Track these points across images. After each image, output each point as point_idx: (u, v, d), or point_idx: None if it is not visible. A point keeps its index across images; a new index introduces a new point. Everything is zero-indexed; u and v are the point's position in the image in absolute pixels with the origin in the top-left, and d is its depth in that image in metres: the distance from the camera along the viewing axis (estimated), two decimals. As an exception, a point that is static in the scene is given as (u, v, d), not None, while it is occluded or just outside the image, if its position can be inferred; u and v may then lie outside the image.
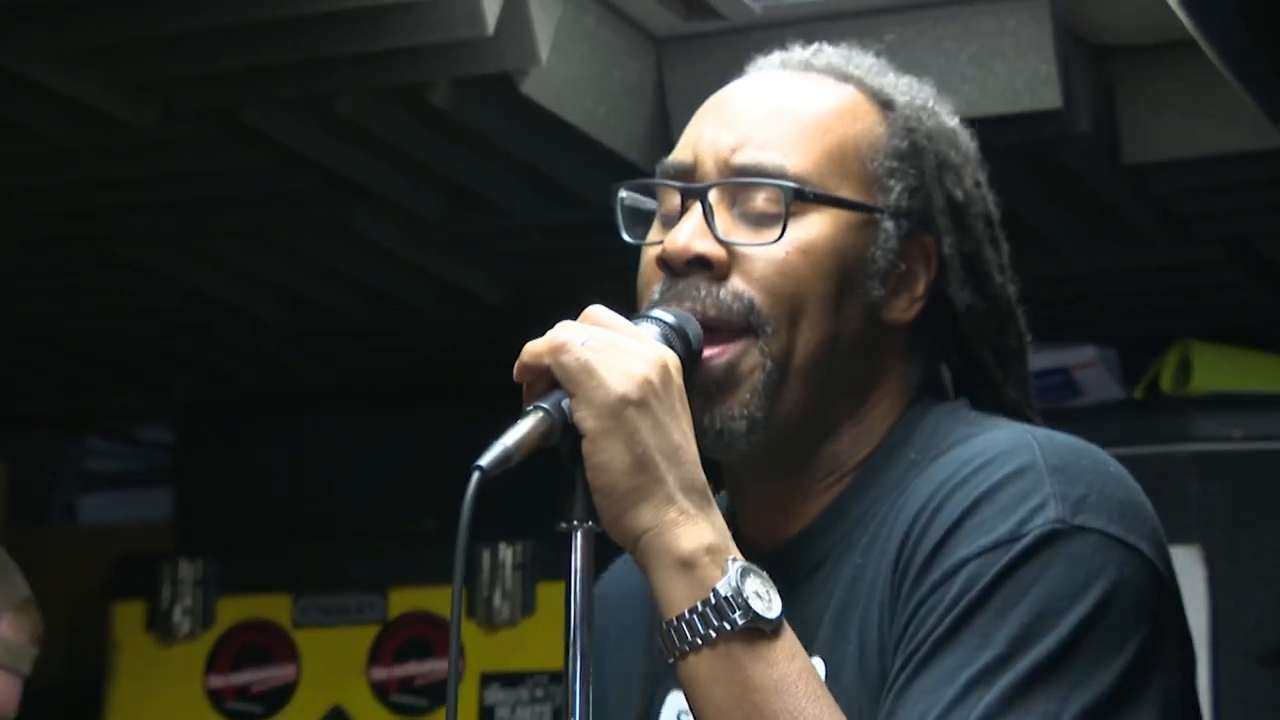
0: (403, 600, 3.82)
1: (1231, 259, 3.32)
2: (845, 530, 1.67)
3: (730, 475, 1.71)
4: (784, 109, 1.71)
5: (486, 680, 3.73)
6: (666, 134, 2.83)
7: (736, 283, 1.66)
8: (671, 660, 1.52)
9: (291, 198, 3.08)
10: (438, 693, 3.76)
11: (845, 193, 1.68)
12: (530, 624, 3.73)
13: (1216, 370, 3.43)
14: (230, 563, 3.94)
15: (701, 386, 1.64)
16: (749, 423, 1.65)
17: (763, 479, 1.70)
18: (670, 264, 1.66)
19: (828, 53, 1.79)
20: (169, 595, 3.90)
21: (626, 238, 1.73)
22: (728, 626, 1.49)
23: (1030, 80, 2.68)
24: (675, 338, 1.61)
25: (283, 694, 3.84)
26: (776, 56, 1.81)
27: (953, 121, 1.76)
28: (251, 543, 4.04)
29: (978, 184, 1.76)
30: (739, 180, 1.67)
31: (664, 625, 1.52)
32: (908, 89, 1.77)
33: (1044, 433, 1.67)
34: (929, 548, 1.57)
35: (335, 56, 2.58)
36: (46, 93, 2.62)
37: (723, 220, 1.66)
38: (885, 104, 1.73)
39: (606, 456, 1.52)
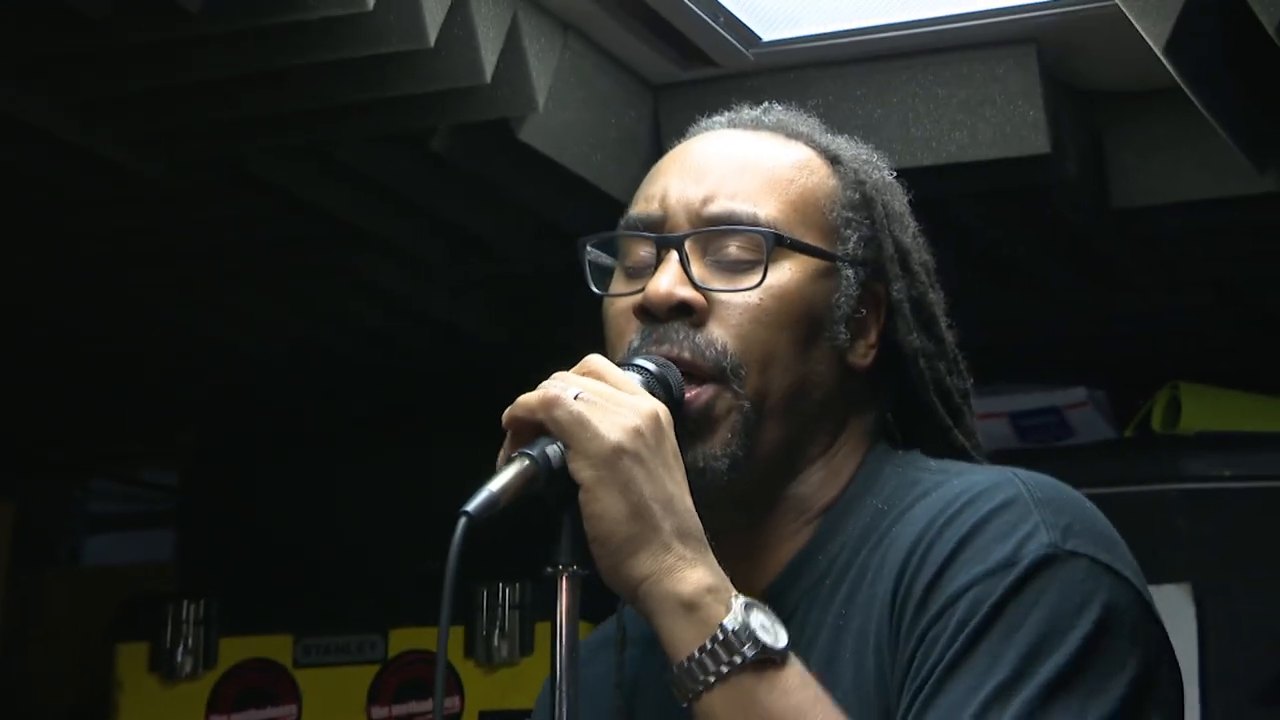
0: (402, 640, 3.82)
1: (1219, 301, 3.34)
2: (813, 580, 1.69)
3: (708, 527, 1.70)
4: (747, 162, 1.75)
5: (485, 718, 3.72)
6: (661, 180, 2.86)
7: (713, 329, 1.69)
8: (685, 703, 1.52)
9: (295, 243, 3.10)
10: (438, 732, 3.75)
11: (810, 240, 1.72)
12: (529, 663, 3.73)
13: (1205, 410, 3.44)
14: (232, 603, 3.94)
15: (683, 429, 1.66)
16: (730, 461, 1.67)
17: (732, 523, 1.69)
18: (652, 310, 1.69)
19: (776, 111, 1.82)
20: (172, 635, 3.90)
21: (594, 289, 1.75)
22: (738, 660, 1.50)
23: (1019, 126, 2.71)
24: (658, 385, 1.65)
25: (285, 733, 3.84)
26: (724, 116, 1.85)
27: (891, 174, 1.82)
28: (253, 584, 4.03)
29: (917, 233, 1.82)
30: (716, 229, 1.71)
31: (674, 669, 1.52)
32: (849, 145, 1.82)
33: (1022, 470, 1.70)
34: (926, 581, 1.58)
35: (337, 105, 2.60)
36: (54, 140, 2.64)
37: (698, 268, 1.69)
38: (833, 159, 1.78)
39: (603, 506, 1.53)
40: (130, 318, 3.36)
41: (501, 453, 1.57)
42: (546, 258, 3.14)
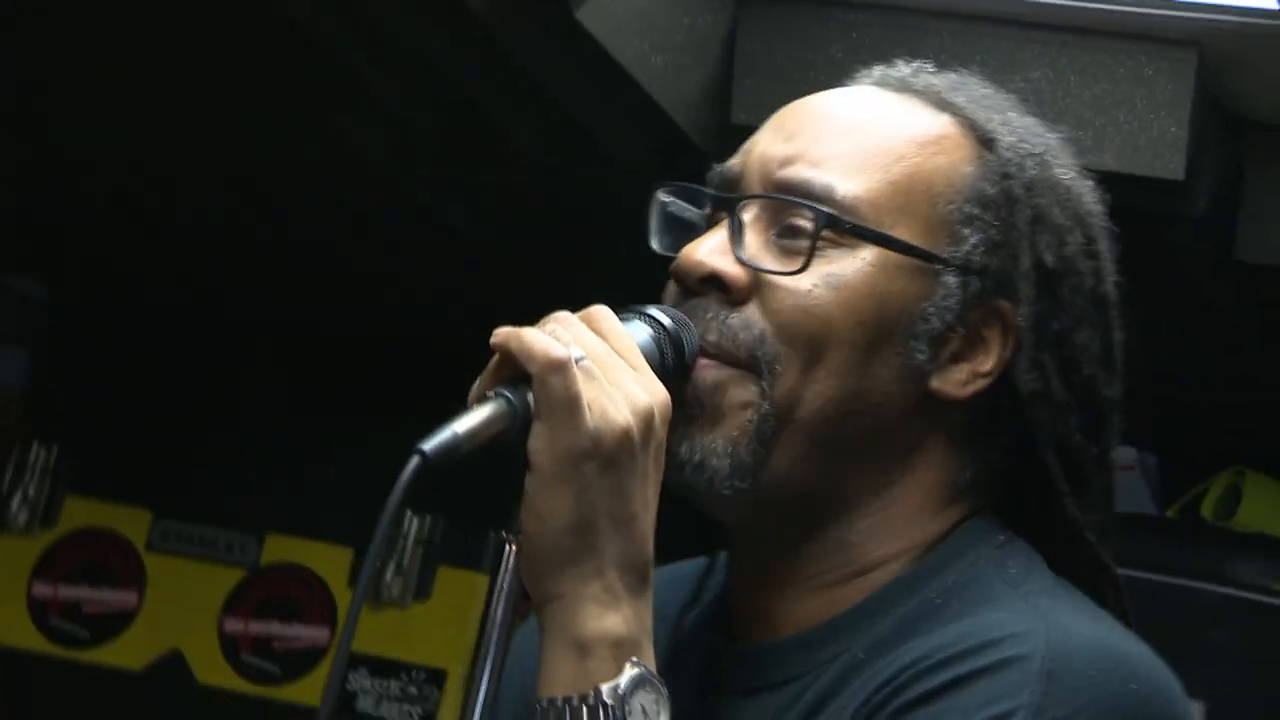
0: (279, 548, 3.78)
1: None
2: (833, 653, 1.63)
3: (732, 541, 1.69)
4: (856, 126, 1.69)
5: (356, 661, 3.68)
6: (725, 103, 2.79)
7: (752, 311, 1.63)
8: None
9: (280, 79, 3.02)
10: (295, 663, 3.71)
11: (901, 232, 1.64)
12: (420, 610, 3.68)
13: (1270, 508, 3.42)
14: (87, 459, 3.89)
15: (687, 405, 1.62)
16: (733, 464, 1.62)
17: (757, 552, 1.67)
18: (682, 278, 1.65)
19: (933, 75, 1.74)
20: (11, 479, 3.86)
21: (654, 245, 1.71)
22: None
23: (1155, 141, 2.66)
24: (668, 344, 1.61)
25: (117, 622, 3.80)
26: (877, 71, 1.77)
27: (1069, 176, 1.71)
28: (120, 443, 3.97)
29: (1088, 254, 1.70)
30: (773, 196, 1.65)
31: (537, 701, 1.51)
32: (1021, 130, 1.72)
33: (1066, 623, 1.62)
34: (886, 716, 1.54)
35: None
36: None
37: (755, 240, 1.65)
38: (985, 141, 1.69)
39: (548, 507, 1.51)
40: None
41: (480, 381, 1.54)
42: (557, 162, 3.07)
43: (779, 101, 2.82)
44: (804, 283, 1.62)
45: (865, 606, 1.65)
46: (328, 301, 4.09)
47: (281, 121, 3.17)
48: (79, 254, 4.23)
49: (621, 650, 1.52)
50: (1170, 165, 2.65)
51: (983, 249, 1.65)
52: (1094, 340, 1.68)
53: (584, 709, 1.50)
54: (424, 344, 4.01)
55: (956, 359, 1.65)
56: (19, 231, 4.12)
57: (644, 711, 1.51)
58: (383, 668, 3.66)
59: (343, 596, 3.72)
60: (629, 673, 1.51)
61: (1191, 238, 2.86)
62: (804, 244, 1.63)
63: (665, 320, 1.61)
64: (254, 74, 3.03)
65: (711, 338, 1.62)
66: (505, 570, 1.57)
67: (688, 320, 1.62)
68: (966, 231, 1.65)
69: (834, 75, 2.73)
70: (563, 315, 1.56)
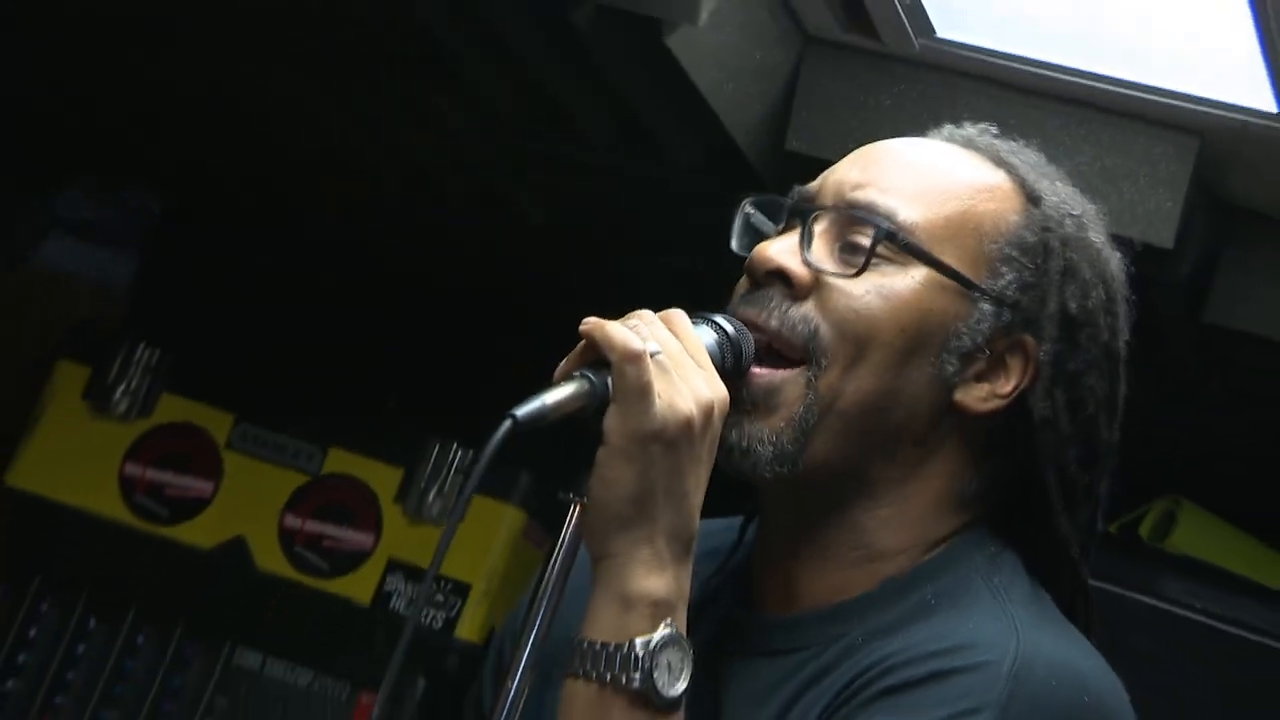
0: (339, 461, 3.75)
1: (1255, 442, 3.29)
2: (837, 633, 1.62)
3: (763, 513, 1.67)
4: (923, 167, 1.68)
5: (394, 566, 3.66)
6: (782, 129, 2.76)
7: (810, 308, 1.62)
8: (567, 671, 1.51)
9: (380, 46, 2.97)
10: (341, 561, 3.69)
11: (949, 259, 1.64)
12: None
13: (1199, 536, 3.39)
14: (185, 361, 3.85)
15: (740, 402, 1.61)
16: (776, 451, 1.61)
17: (785, 528, 1.65)
18: (753, 271, 1.64)
19: (995, 138, 1.73)
20: (118, 371, 3.82)
21: (735, 246, 1.69)
22: (622, 680, 1.48)
23: (1151, 212, 2.63)
24: (729, 349, 1.60)
25: (193, 506, 3.76)
26: (946, 129, 1.76)
27: (1100, 241, 1.71)
28: (214, 351, 3.94)
29: (1108, 311, 1.70)
30: (841, 209, 1.65)
31: (581, 638, 1.51)
32: (1064, 195, 1.71)
33: (1036, 636, 1.60)
34: (863, 700, 1.53)
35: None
36: None
37: (821, 248, 1.64)
38: (1032, 198, 1.68)
39: (615, 476, 1.50)
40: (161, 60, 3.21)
41: (566, 361, 1.54)
42: (623, 163, 3.03)
43: (830, 134, 2.79)
44: (858, 288, 1.62)
45: (873, 596, 1.63)
46: (400, 250, 4.07)
47: (392, 98, 3.14)
48: (193, 175, 4.18)
49: (659, 610, 1.51)
50: (1162, 235, 2.62)
51: (1016, 286, 1.64)
52: (1101, 386, 1.68)
53: (618, 656, 1.49)
54: (478, 299, 4.00)
55: (980, 378, 1.64)
56: (142, 150, 4.09)
57: (669, 667, 1.50)
58: (417, 576, 3.64)
59: (389, 509, 3.69)
60: (662, 631, 1.51)
61: (1170, 299, 2.83)
62: (863, 256, 1.62)
63: (729, 328, 1.61)
64: (372, 58, 3.00)
65: (773, 324, 1.62)
66: (569, 524, 1.57)
67: (746, 329, 1.62)
68: (1005, 269, 1.64)
69: (881, 117, 2.72)
70: (644, 313, 1.56)
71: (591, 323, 1.54)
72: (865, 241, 1.63)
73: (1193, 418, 3.27)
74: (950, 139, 1.73)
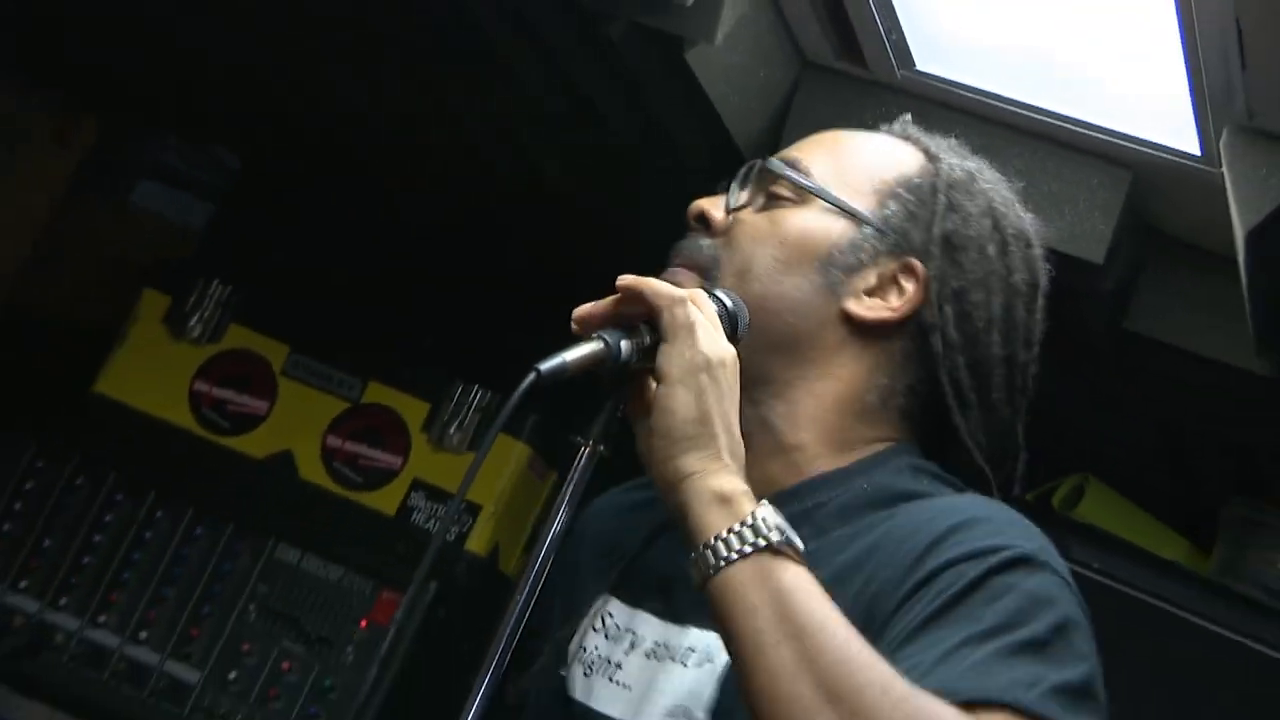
0: (377, 393, 3.75)
1: (1158, 435, 3.31)
2: (810, 508, 1.62)
3: None
4: (841, 136, 1.75)
5: (417, 485, 3.67)
6: (777, 140, 2.77)
7: (718, 241, 1.68)
8: (703, 580, 1.47)
9: (455, 63, 2.98)
10: (372, 478, 3.70)
11: (837, 193, 1.68)
12: (470, 458, 3.66)
13: (1102, 508, 3.42)
14: (251, 297, 3.85)
15: None
16: None
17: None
18: (687, 221, 1.71)
19: (905, 124, 1.80)
20: (195, 301, 3.82)
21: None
22: (763, 541, 1.45)
23: (1086, 232, 2.64)
24: (727, 318, 1.62)
25: (250, 421, 3.76)
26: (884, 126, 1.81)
27: (993, 189, 1.75)
28: (278, 288, 3.94)
29: (995, 242, 1.72)
30: (754, 162, 1.72)
31: (699, 548, 1.47)
32: (963, 157, 1.77)
33: (1008, 507, 1.64)
34: (914, 556, 1.53)
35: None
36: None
37: (742, 198, 1.70)
38: (930, 157, 1.74)
39: (678, 403, 1.51)
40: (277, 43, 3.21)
41: (594, 305, 1.55)
42: (642, 151, 3.03)
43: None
44: (759, 219, 1.68)
45: (798, 490, 1.64)
46: (443, 215, 4.07)
47: (454, 88, 3.14)
48: (266, 136, 4.18)
49: (748, 496, 1.50)
50: (1094, 252, 2.63)
51: (901, 216, 1.69)
52: (990, 304, 1.69)
53: (745, 529, 1.47)
54: (506, 260, 4.00)
55: (871, 294, 1.67)
56: (224, 113, 4.09)
57: (779, 527, 1.47)
58: (436, 495, 3.64)
59: (416, 437, 3.69)
60: (766, 505, 1.49)
61: (1097, 308, 2.85)
62: (780, 199, 1.69)
63: (728, 302, 1.63)
64: (440, 56, 3.00)
65: (687, 253, 1.68)
66: (578, 464, 1.57)
67: (743, 305, 1.64)
68: (891, 203, 1.69)
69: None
70: (666, 284, 1.58)
71: (632, 278, 1.55)
72: (780, 188, 1.69)
73: (1107, 409, 3.29)
74: (889, 131, 1.79)
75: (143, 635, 3.61)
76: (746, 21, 2.55)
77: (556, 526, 1.57)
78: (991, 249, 1.72)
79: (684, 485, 1.50)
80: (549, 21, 2.66)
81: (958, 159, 1.76)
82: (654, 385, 1.54)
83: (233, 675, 3.56)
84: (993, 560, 1.49)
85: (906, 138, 1.78)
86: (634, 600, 1.67)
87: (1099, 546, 3.28)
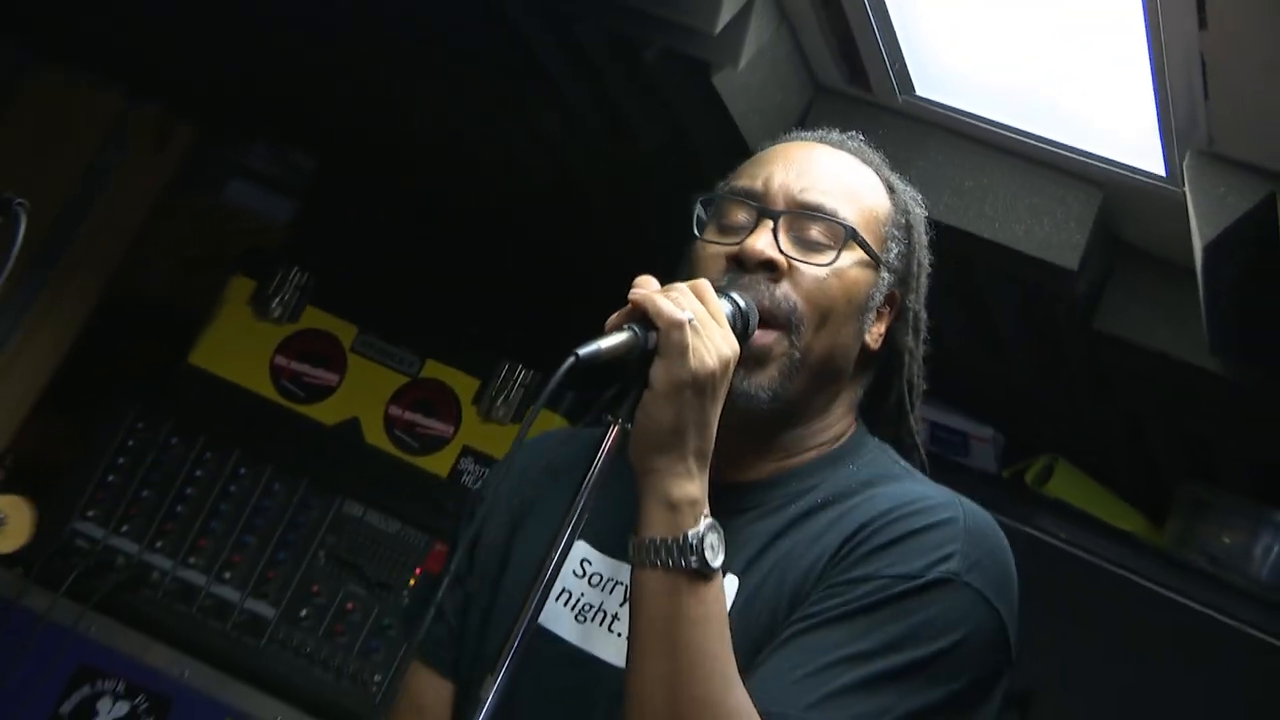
0: (433, 369, 3.73)
1: (1122, 424, 3.26)
2: (784, 498, 1.65)
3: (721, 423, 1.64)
4: (836, 172, 1.71)
5: (467, 451, 3.65)
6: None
7: (786, 287, 1.65)
8: (632, 565, 1.51)
9: (502, 71, 2.94)
10: (427, 443, 3.68)
11: (871, 245, 1.69)
12: (513, 430, 3.64)
13: (1069, 485, 3.38)
14: (325, 283, 3.83)
15: (744, 358, 1.62)
16: (771, 394, 1.65)
17: (748, 431, 1.67)
18: (744, 261, 1.65)
19: (855, 139, 1.78)
20: (276, 285, 3.80)
21: (696, 232, 1.72)
22: (683, 564, 1.48)
23: (1062, 242, 2.60)
24: (739, 318, 1.62)
25: (323, 392, 3.75)
26: (815, 133, 1.79)
27: (924, 212, 1.78)
28: (349, 276, 3.92)
29: (930, 260, 1.79)
30: (807, 213, 1.67)
31: (638, 538, 1.51)
32: (899, 181, 1.78)
33: (968, 500, 1.64)
34: (862, 553, 1.56)
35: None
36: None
37: (783, 240, 1.65)
38: (890, 189, 1.74)
39: (657, 411, 1.51)
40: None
41: (616, 316, 1.53)
42: (667, 158, 2.99)
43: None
44: (823, 272, 1.65)
45: (803, 470, 1.67)
46: (492, 215, 4.05)
47: (503, 103, 3.11)
48: (341, 142, 4.16)
49: (696, 508, 1.51)
50: (1068, 259, 2.59)
51: (898, 255, 1.71)
52: (924, 315, 1.77)
53: (674, 546, 1.49)
54: (548, 257, 3.98)
55: (873, 324, 1.71)
56: (305, 120, 4.07)
57: (712, 546, 1.50)
58: (482, 460, 3.62)
59: (467, 409, 3.67)
60: (704, 522, 1.51)
61: (1069, 309, 2.80)
62: (821, 245, 1.66)
63: (741, 302, 1.62)
64: (493, 73, 2.97)
65: (765, 304, 1.63)
66: (608, 440, 1.55)
67: (754, 304, 1.62)
68: (891, 245, 1.71)
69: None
70: (680, 285, 1.57)
71: (641, 294, 1.53)
72: (817, 235, 1.66)
73: (1076, 398, 3.25)
74: (823, 141, 1.76)
75: (227, 575, 3.60)
76: (766, 49, 2.51)
77: (586, 491, 1.55)
78: (929, 269, 1.78)
79: (647, 479, 1.51)
80: (591, 46, 2.62)
81: (900, 181, 1.77)
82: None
83: (304, 613, 3.55)
84: (914, 583, 1.52)
85: (865, 160, 1.76)
86: (614, 551, 1.67)
87: (1066, 519, 3.25)
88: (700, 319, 1.54)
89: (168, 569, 3.61)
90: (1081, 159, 2.53)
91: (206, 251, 4.19)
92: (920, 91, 2.58)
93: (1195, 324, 2.55)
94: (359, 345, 3.76)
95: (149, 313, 4.16)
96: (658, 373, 1.50)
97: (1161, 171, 2.43)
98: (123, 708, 3.46)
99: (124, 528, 3.66)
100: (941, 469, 1.77)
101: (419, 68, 3.12)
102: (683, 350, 1.50)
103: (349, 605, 3.55)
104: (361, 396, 3.71)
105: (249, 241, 4.17)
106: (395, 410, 3.70)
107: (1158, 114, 2.25)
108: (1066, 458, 3.41)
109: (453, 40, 2.89)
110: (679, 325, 1.51)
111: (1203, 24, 1.90)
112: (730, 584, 1.59)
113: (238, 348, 3.76)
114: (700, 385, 1.50)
